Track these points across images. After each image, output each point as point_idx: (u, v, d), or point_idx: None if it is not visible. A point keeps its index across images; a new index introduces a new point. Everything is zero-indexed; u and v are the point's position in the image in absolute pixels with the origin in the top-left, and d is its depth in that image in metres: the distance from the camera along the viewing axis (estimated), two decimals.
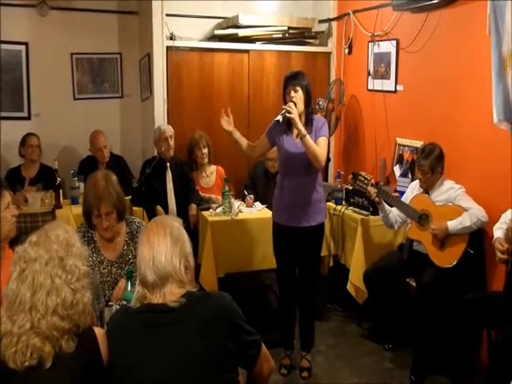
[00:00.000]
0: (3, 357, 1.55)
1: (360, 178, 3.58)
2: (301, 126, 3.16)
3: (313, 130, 3.27)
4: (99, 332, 1.69)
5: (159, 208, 4.17)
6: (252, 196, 4.17)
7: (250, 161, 4.64)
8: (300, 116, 3.22)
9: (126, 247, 2.66)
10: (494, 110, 3.22)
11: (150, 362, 1.65)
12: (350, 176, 3.69)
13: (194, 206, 4.24)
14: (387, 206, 3.66)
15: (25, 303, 1.57)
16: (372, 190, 3.54)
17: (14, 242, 2.36)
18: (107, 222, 2.55)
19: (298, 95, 3.23)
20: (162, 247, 1.71)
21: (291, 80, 3.26)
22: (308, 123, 3.28)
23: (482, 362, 3.09)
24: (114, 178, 2.66)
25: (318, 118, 3.38)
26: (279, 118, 3.17)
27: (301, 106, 3.24)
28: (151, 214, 3.99)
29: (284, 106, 3.19)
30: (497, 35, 3.17)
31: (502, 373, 2.63)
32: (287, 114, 3.14)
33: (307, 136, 3.16)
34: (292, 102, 3.19)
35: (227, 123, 3.44)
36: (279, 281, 3.60)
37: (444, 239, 3.39)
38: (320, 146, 3.22)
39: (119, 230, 2.66)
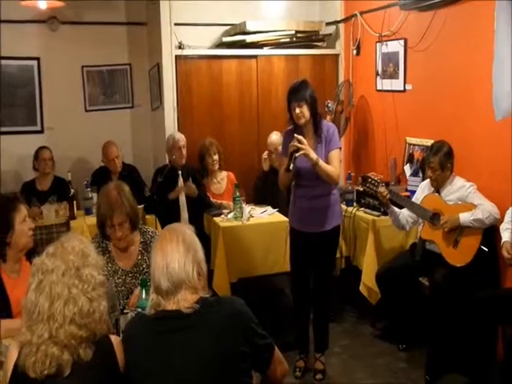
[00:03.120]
0: (23, 366, 1.59)
1: (369, 180, 3.57)
2: (313, 154, 3.16)
3: (322, 138, 3.28)
4: (115, 339, 1.72)
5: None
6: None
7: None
8: (307, 125, 3.27)
9: (140, 257, 2.68)
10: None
11: (165, 367, 1.68)
12: (360, 179, 3.70)
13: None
14: (396, 209, 3.65)
15: (43, 313, 1.61)
16: (384, 191, 3.54)
17: (31, 253, 2.42)
18: (120, 231, 2.57)
19: (303, 110, 3.24)
20: (175, 254, 1.74)
21: (294, 95, 3.26)
22: (317, 131, 3.30)
23: (497, 360, 3.07)
24: (126, 188, 2.69)
25: (328, 125, 3.36)
26: (290, 166, 3.17)
27: (307, 117, 3.26)
28: (164, 223, 4.03)
29: (290, 144, 3.17)
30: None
31: None
32: (296, 155, 3.15)
33: (319, 162, 3.18)
34: (297, 139, 3.15)
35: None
36: (293, 284, 3.61)
37: (457, 237, 3.39)
38: (333, 162, 3.25)
39: (133, 239, 2.68)
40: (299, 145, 3.13)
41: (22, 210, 2.51)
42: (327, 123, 3.40)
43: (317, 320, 3.56)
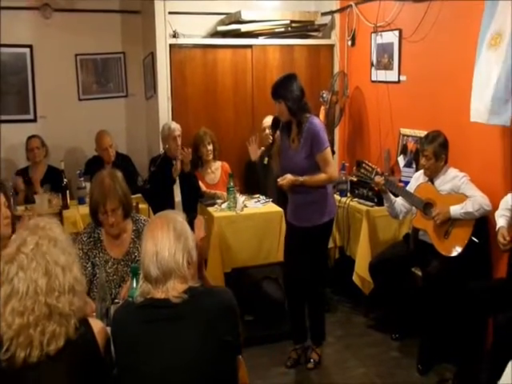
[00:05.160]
0: (13, 355, 1.56)
1: (364, 166, 3.59)
2: (295, 181, 3.25)
3: (302, 139, 3.26)
4: (95, 324, 1.72)
5: None
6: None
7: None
8: (293, 120, 3.29)
9: (132, 245, 2.68)
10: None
11: (152, 355, 1.68)
12: (355, 164, 3.71)
13: None
14: (392, 196, 3.67)
15: (41, 287, 1.60)
16: (379, 179, 3.54)
17: None
18: (113, 218, 2.57)
19: (281, 107, 3.27)
20: (166, 242, 1.74)
21: (273, 92, 3.30)
22: (299, 130, 3.29)
23: (487, 350, 3.09)
24: (119, 175, 2.69)
25: (311, 125, 3.26)
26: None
27: (286, 116, 3.29)
28: (157, 212, 4.01)
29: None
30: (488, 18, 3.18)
31: (504, 354, 2.65)
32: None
33: (305, 181, 3.25)
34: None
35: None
36: (287, 277, 3.62)
37: (448, 227, 3.40)
38: (323, 167, 3.25)
39: (125, 227, 2.68)
40: (281, 183, 3.30)
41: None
42: (312, 122, 3.28)
43: (311, 312, 3.56)
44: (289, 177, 3.27)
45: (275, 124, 3.40)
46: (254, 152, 4.05)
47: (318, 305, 3.58)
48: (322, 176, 3.26)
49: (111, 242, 2.68)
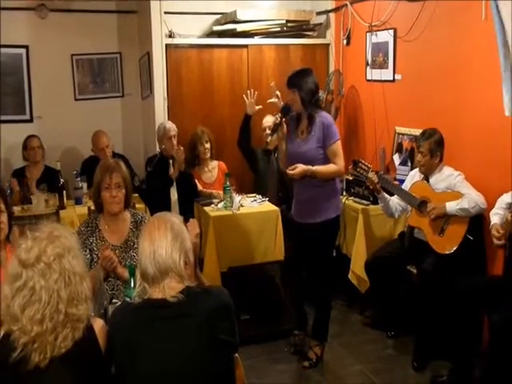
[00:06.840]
0: (27, 359, 1.58)
1: (360, 165, 3.61)
2: (305, 171, 3.23)
3: (314, 132, 3.28)
4: (97, 323, 1.74)
5: None
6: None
7: None
8: (303, 112, 3.32)
9: (130, 233, 2.77)
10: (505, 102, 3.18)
11: (150, 355, 1.69)
12: (351, 163, 3.73)
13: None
14: (387, 195, 3.69)
15: (62, 297, 1.62)
16: (373, 177, 3.57)
17: None
18: (116, 191, 2.68)
19: (294, 97, 3.30)
20: (163, 241, 1.76)
21: (288, 80, 3.35)
22: (310, 122, 3.31)
23: (484, 346, 3.12)
24: (122, 164, 2.83)
25: (322, 118, 3.31)
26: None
27: (297, 106, 3.31)
28: (154, 212, 4.02)
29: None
30: (498, 21, 3.16)
31: (501, 353, 2.67)
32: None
33: (315, 170, 3.24)
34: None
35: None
36: (288, 270, 3.67)
37: (443, 225, 3.42)
38: (333, 158, 3.26)
39: (124, 216, 2.79)
40: (293, 173, 3.24)
41: None
42: (324, 115, 3.34)
43: (316, 310, 3.57)
44: (301, 166, 3.23)
45: (285, 110, 3.39)
46: (251, 105, 4.03)
47: (322, 306, 3.56)
48: (332, 166, 3.28)
49: (110, 229, 2.76)
